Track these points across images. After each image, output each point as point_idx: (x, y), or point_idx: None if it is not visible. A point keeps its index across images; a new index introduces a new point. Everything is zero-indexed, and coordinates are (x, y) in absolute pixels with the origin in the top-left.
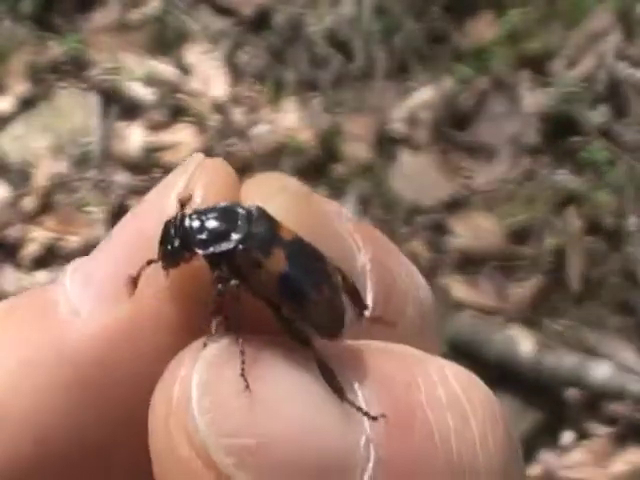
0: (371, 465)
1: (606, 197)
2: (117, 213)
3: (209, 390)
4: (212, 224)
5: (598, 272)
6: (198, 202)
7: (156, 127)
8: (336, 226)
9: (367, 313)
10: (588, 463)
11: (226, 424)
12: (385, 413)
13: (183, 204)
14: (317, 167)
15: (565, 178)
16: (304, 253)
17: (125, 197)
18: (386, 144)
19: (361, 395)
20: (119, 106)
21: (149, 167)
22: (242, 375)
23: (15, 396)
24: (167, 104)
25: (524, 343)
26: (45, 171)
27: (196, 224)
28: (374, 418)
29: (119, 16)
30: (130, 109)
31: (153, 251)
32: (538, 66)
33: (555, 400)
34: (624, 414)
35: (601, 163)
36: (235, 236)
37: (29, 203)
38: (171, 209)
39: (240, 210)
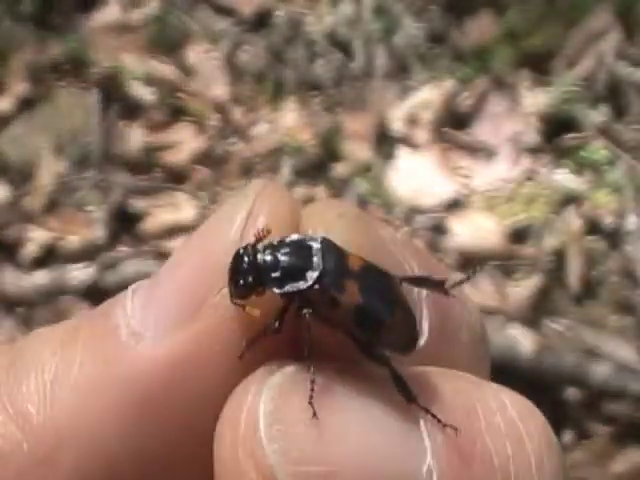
0: None
1: (606, 197)
2: (117, 213)
3: (277, 418)
4: (287, 261)
5: (598, 272)
6: (261, 229)
7: (156, 127)
8: (393, 251)
9: (448, 285)
10: (588, 463)
11: (294, 452)
12: (446, 442)
13: (246, 231)
14: (317, 167)
15: (565, 178)
16: (374, 280)
17: (125, 197)
18: (386, 144)
19: (423, 423)
20: (119, 106)
21: (149, 167)
22: (310, 403)
23: (82, 419)
24: (167, 104)
25: (524, 343)
26: (45, 171)
27: (270, 259)
28: (445, 425)
29: (119, 16)
30: (130, 109)
31: (219, 277)
32: (538, 66)
33: (555, 400)
34: (624, 414)
35: (601, 163)
36: (311, 274)
37: (29, 203)
38: (235, 236)
39: (313, 244)
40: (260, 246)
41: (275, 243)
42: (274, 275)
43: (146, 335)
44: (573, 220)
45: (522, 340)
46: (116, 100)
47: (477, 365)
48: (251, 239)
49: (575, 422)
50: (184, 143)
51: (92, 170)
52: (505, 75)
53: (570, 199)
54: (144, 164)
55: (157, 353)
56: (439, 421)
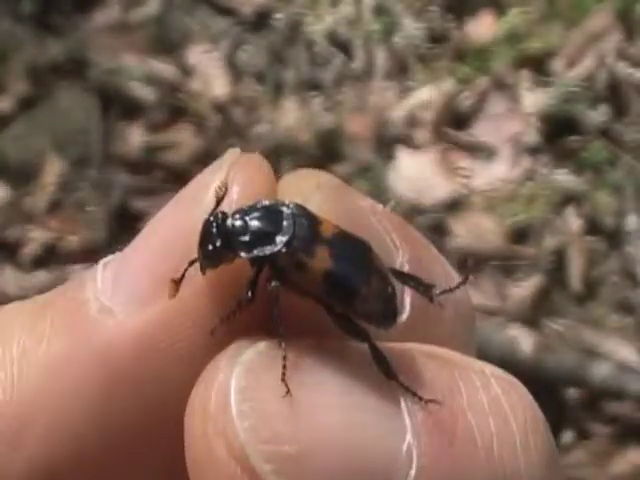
0: (413, 472)
1: (606, 197)
2: (117, 213)
3: (248, 396)
4: (256, 225)
5: (598, 272)
6: (235, 199)
7: (156, 127)
8: (373, 223)
9: (435, 292)
10: (588, 463)
11: (266, 430)
12: (427, 420)
13: (219, 200)
14: (317, 167)
15: (565, 178)
16: (348, 247)
17: (125, 197)
18: (386, 144)
19: (403, 400)
20: (119, 106)
21: (149, 167)
22: (283, 380)
23: (48, 394)
24: (167, 104)
25: (524, 343)
26: (45, 171)
27: (239, 224)
28: (427, 401)
29: (119, 16)
30: (130, 109)
31: (190, 249)
32: (538, 66)
33: (555, 400)
34: (624, 414)
35: (601, 163)
36: (280, 239)
37: (29, 203)
38: (208, 206)
39: (284, 209)
40: (230, 211)
41: (245, 208)
42: (243, 239)
43: (116, 310)
44: (573, 220)
45: (522, 340)
46: (116, 100)
47: (462, 341)
48: (224, 208)
49: (575, 422)
50: (184, 143)
51: (92, 170)
52: (505, 75)
53: (570, 199)
54: (144, 164)
55: (126, 328)
56: (420, 398)
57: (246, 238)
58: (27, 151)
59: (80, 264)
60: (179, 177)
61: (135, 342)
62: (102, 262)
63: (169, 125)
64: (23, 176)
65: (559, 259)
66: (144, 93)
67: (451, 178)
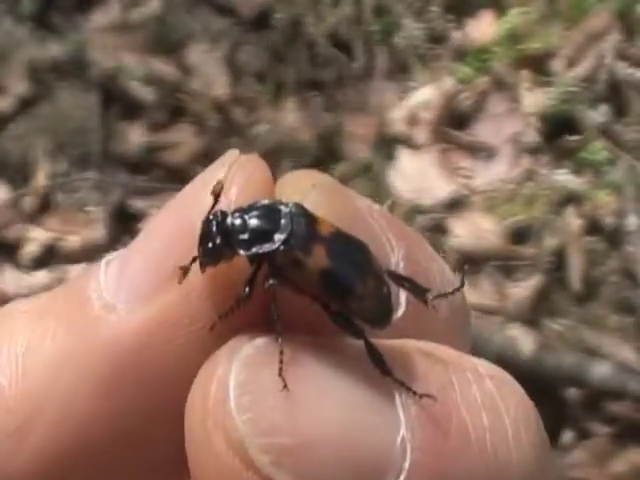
0: (407, 465)
1: (606, 197)
2: (117, 213)
3: (247, 390)
4: (254, 223)
5: (598, 272)
6: (234, 199)
7: (156, 127)
8: (369, 222)
9: (429, 296)
10: (588, 463)
11: (264, 423)
12: (421, 414)
13: (217, 199)
14: (317, 167)
15: (565, 178)
16: (345, 246)
17: (125, 197)
18: (386, 144)
19: (397, 395)
20: (119, 106)
21: (149, 167)
22: (280, 375)
23: (53, 389)
24: (167, 104)
25: (524, 343)
26: (45, 171)
27: (238, 223)
28: (421, 396)
29: (119, 16)
30: (130, 109)
31: (191, 247)
32: (538, 66)
33: (555, 400)
34: (624, 414)
35: (601, 163)
36: (278, 237)
37: (29, 203)
38: (208, 205)
39: (282, 208)
40: (229, 211)
41: (245, 207)
42: (242, 237)
43: (119, 306)
44: (573, 220)
45: (522, 340)
46: (116, 100)
47: (457, 337)
48: (223, 208)
49: (575, 422)
50: (184, 143)
51: (92, 170)
52: (505, 75)
53: (570, 199)
54: (144, 164)
55: (129, 325)
56: (414, 393)
57: (245, 236)
58: (27, 151)
59: (80, 264)
60: (179, 177)
61: (137, 338)
62: (105, 259)
63: (169, 125)
64: (23, 176)
65: (559, 259)
66: (144, 93)
67: (451, 178)
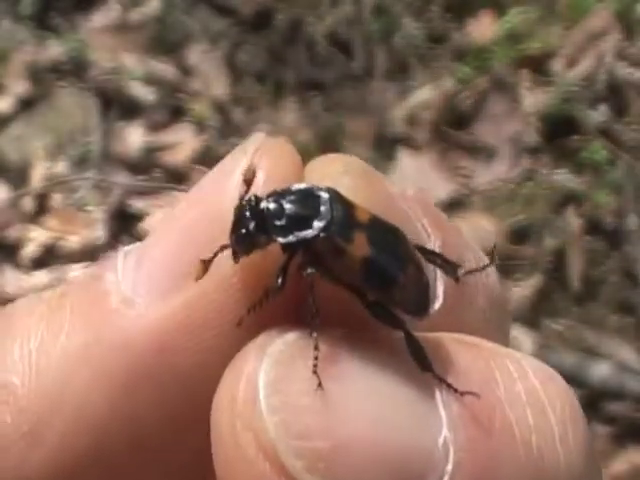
0: (450, 467)
1: (606, 197)
2: (117, 213)
3: (278, 389)
4: (292, 209)
5: (598, 272)
6: (261, 184)
7: (156, 127)
8: (403, 208)
9: (461, 272)
10: None
11: (297, 425)
12: (464, 412)
13: (249, 184)
14: None
15: (565, 178)
16: (384, 234)
17: (125, 197)
18: (386, 144)
19: (438, 392)
20: (119, 106)
21: (149, 167)
22: (315, 372)
23: (70, 389)
24: (167, 104)
25: (524, 343)
26: (44, 171)
27: (274, 207)
28: (463, 393)
29: (119, 16)
30: (130, 109)
31: (215, 236)
32: (538, 66)
33: None
34: (624, 414)
35: (601, 163)
36: (318, 223)
37: (29, 203)
38: (233, 192)
39: (321, 193)
40: (264, 194)
41: (280, 191)
42: (278, 223)
43: (137, 301)
44: (573, 220)
45: (522, 340)
46: (116, 100)
47: (495, 331)
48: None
49: None
50: (184, 143)
51: (92, 170)
52: (505, 75)
53: (570, 199)
54: (144, 164)
55: (149, 320)
56: (455, 390)
57: (282, 222)
58: (27, 151)
59: (80, 264)
60: (179, 177)
61: (158, 334)
62: (123, 251)
63: (169, 125)
64: (23, 176)
65: (559, 259)
66: (144, 93)
67: (451, 178)
